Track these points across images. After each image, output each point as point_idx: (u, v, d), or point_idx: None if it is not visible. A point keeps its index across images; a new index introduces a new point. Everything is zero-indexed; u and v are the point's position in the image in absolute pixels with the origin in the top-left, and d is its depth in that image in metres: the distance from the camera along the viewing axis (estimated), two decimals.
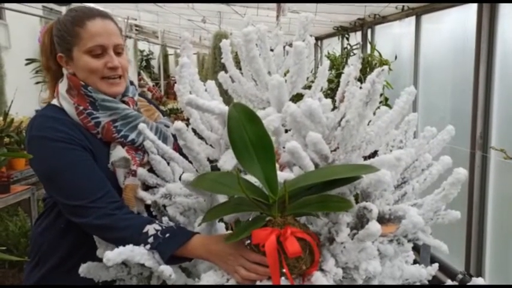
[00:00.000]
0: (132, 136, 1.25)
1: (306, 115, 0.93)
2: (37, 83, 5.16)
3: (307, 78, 1.31)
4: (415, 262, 1.19)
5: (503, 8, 2.95)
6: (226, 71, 1.37)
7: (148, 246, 1.06)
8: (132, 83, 1.35)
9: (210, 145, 1.14)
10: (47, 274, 1.28)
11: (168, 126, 1.37)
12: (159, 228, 1.09)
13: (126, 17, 8.06)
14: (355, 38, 5.10)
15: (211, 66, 6.10)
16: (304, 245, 0.91)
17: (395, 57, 4.16)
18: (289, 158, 1.08)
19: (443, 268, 3.26)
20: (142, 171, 1.24)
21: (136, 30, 10.29)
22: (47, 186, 1.23)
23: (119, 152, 1.23)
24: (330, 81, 4.28)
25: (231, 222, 1.10)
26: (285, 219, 0.93)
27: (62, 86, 1.27)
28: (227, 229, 1.21)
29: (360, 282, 0.97)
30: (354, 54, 4.75)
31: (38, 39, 1.43)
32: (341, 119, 0.96)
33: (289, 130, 1.11)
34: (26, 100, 4.28)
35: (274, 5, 4.24)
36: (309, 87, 1.36)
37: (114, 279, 1.17)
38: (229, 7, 5.35)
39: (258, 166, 0.94)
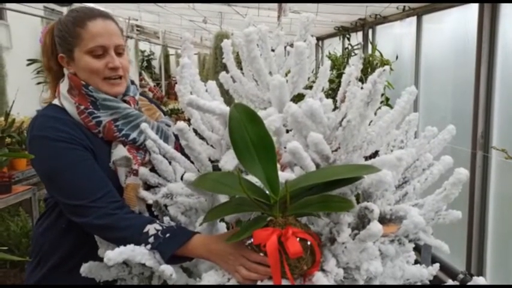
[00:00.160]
0: (134, 135, 1.26)
1: (307, 115, 0.93)
2: (38, 83, 5.15)
3: (308, 78, 1.30)
4: (416, 262, 1.19)
5: (505, 8, 2.95)
6: (227, 71, 1.37)
7: (149, 246, 1.06)
8: (133, 82, 1.35)
9: (211, 145, 1.14)
10: (48, 274, 1.28)
11: (169, 126, 1.37)
12: (160, 228, 1.09)
13: (127, 17, 8.06)
14: (356, 38, 5.11)
15: (212, 66, 6.09)
16: (305, 245, 0.91)
17: (397, 57, 4.17)
18: (290, 158, 1.08)
19: (445, 268, 3.26)
20: (143, 171, 1.24)
21: (137, 30, 10.29)
22: (48, 186, 1.23)
23: (120, 151, 1.24)
24: (331, 81, 4.28)
25: (232, 222, 1.10)
26: (286, 220, 0.93)
27: (63, 86, 1.27)
28: (228, 229, 1.20)
29: (361, 282, 0.97)
30: (355, 54, 4.76)
31: (40, 40, 1.44)
32: (342, 119, 0.96)
33: (290, 130, 1.11)
34: (27, 100, 4.28)
35: (275, 6, 4.23)
36: (310, 87, 1.36)
37: (115, 279, 1.17)
38: (230, 7, 5.34)
39: (259, 166, 0.94)
